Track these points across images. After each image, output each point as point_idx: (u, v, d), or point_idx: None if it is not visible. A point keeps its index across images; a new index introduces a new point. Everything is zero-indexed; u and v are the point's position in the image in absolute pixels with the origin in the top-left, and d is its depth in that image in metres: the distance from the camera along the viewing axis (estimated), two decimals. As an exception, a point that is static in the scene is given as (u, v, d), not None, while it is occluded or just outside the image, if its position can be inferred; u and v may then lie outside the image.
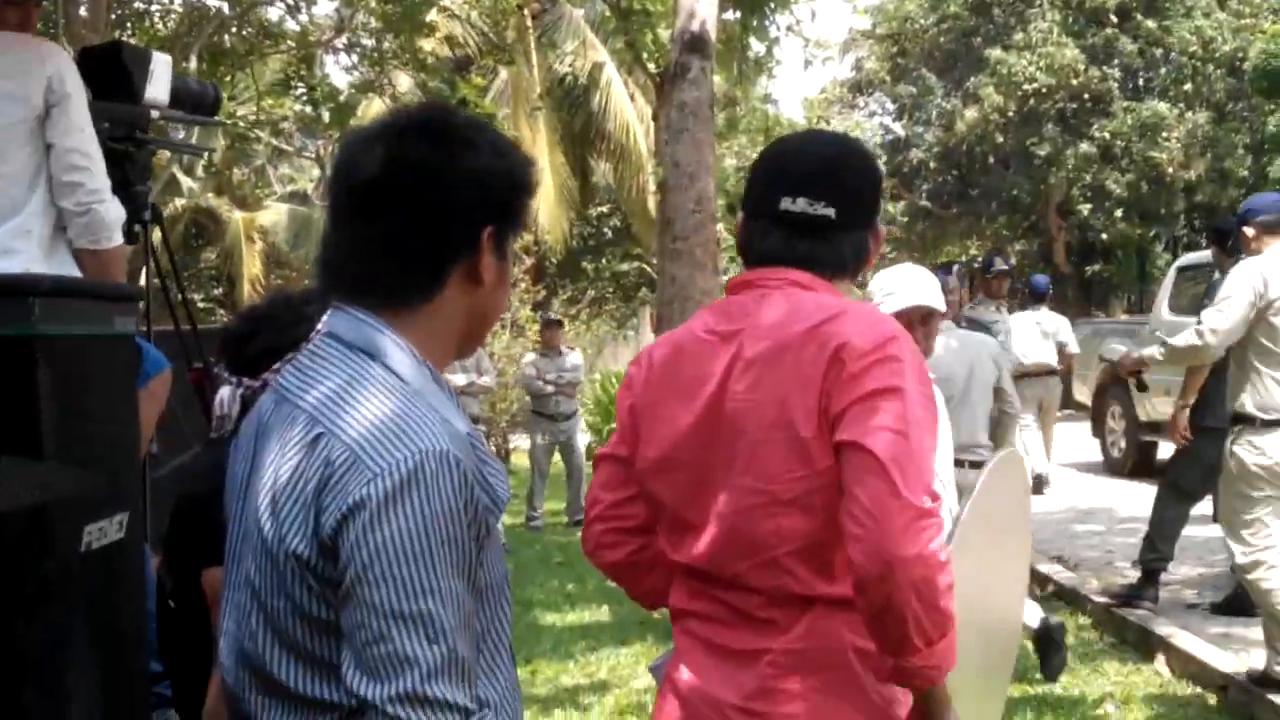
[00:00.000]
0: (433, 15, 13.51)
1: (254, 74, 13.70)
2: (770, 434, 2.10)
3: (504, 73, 21.36)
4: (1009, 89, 23.05)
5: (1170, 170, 22.51)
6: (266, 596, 1.65)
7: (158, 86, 4.68)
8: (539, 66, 21.98)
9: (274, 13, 13.60)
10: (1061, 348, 12.12)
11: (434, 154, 1.71)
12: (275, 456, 1.66)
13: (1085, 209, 23.32)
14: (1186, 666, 6.16)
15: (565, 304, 18.86)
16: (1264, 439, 5.46)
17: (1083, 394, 13.96)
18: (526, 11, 21.50)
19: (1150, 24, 23.32)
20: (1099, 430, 13.50)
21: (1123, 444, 13.07)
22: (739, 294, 2.28)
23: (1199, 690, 5.88)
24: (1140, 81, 24.57)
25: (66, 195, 3.62)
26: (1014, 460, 3.00)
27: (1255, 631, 6.54)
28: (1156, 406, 12.19)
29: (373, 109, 14.08)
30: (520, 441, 18.04)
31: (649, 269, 22.63)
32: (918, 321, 3.95)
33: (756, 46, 12.88)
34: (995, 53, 23.23)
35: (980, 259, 19.08)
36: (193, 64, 11.46)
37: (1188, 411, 7.06)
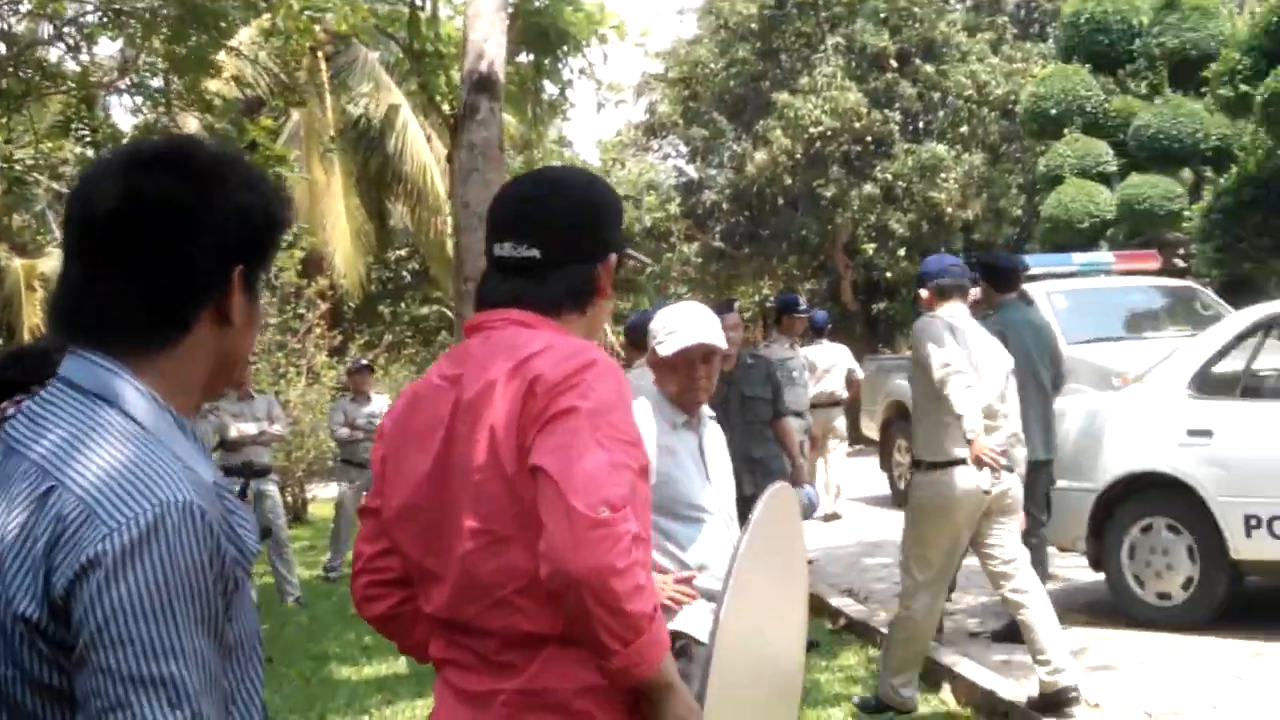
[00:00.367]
0: (220, 55, 13.24)
1: (32, 116, 13.23)
2: (486, 473, 2.13)
3: (296, 114, 21.03)
4: (796, 132, 23.62)
5: (949, 210, 23.36)
6: None
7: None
8: (333, 108, 21.71)
9: (54, 53, 13.17)
10: (850, 374, 12.51)
11: (181, 189, 1.61)
12: (1, 513, 1.52)
13: (870, 248, 24.02)
14: (971, 695, 6.38)
15: (362, 349, 18.61)
16: (931, 478, 5.86)
17: (870, 428, 14.36)
18: (319, 53, 21.24)
19: (928, 69, 24.20)
20: (886, 464, 13.91)
21: (908, 477, 13.48)
22: (470, 337, 2.32)
23: (983, 718, 6.10)
24: (920, 124, 25.46)
25: None
26: (785, 493, 3.06)
27: (1034, 657, 6.84)
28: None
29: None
30: (319, 491, 17.70)
31: (449, 312, 22.49)
32: (699, 360, 3.95)
33: (550, 89, 12.96)
34: (783, 96, 23.80)
35: (772, 298, 19.54)
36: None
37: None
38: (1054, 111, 18.99)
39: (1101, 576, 7.86)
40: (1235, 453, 7.22)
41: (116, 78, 13.58)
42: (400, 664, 7.96)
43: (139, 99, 13.69)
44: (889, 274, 24.37)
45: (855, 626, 8.10)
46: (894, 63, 24.18)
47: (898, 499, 13.47)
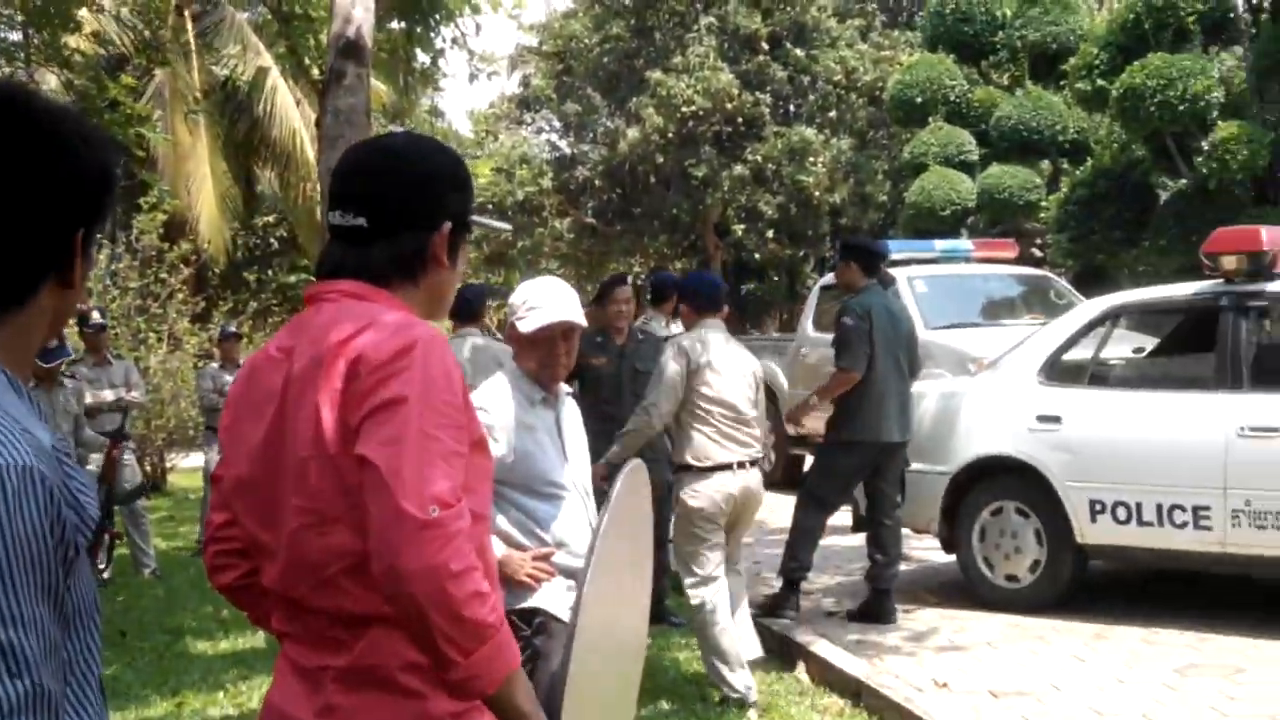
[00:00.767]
0: (81, 11, 12.89)
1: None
2: (311, 452, 2.10)
3: (160, 74, 20.53)
4: (669, 110, 23.71)
5: (817, 193, 23.69)
6: None
7: None
8: (199, 69, 21.22)
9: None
10: None
11: (17, 154, 1.54)
12: None
13: (740, 229, 24.27)
14: (824, 673, 6.52)
15: (226, 316, 18.27)
16: (700, 484, 6.19)
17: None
18: (185, 12, 20.76)
19: (799, 53, 24.47)
20: (751, 443, 14.10)
21: (773, 456, 13.71)
22: (307, 307, 2.29)
23: (835, 696, 6.26)
24: (790, 108, 25.73)
25: None
26: (640, 471, 3.07)
27: (890, 638, 7.07)
28: (804, 421, 12.86)
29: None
30: (180, 460, 17.37)
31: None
32: (560, 337, 3.94)
33: (422, 57, 12.85)
34: (656, 75, 23.86)
35: (644, 276, 19.62)
36: None
37: (814, 400, 7.59)
38: (919, 100, 19.33)
39: (953, 558, 8.09)
40: (1082, 439, 7.47)
41: (-30, 32, 13.17)
42: (257, 639, 7.87)
43: (-6, 54, 13.30)
44: (758, 255, 24.66)
45: (715, 605, 8.22)
46: (765, 45, 24.40)
47: (764, 479, 13.69)
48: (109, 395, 10.28)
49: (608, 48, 25.55)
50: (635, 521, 2.98)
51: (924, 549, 9.05)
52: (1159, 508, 7.13)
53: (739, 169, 23.51)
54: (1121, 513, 7.26)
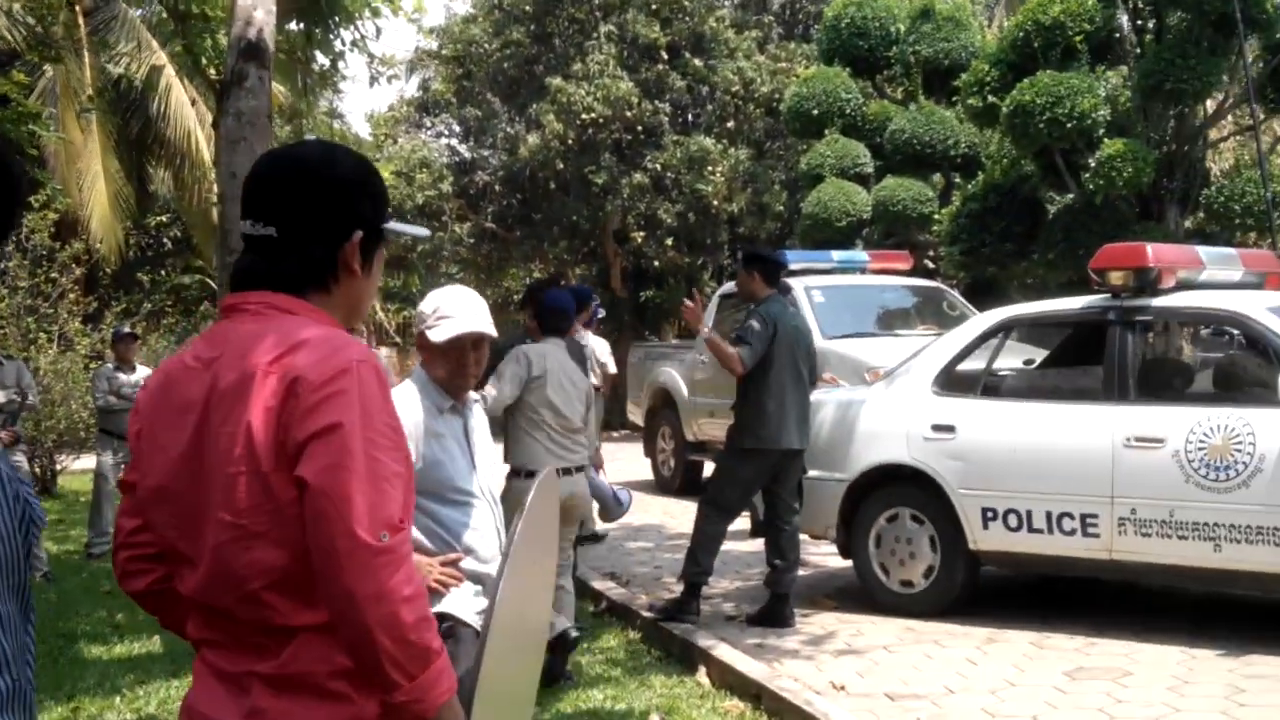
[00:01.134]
0: (-30, 6, 12.61)
1: None
2: (240, 468, 2.10)
3: (51, 70, 20.12)
4: (568, 117, 23.72)
5: (715, 202, 23.86)
6: None
7: None
8: (91, 66, 20.82)
9: None
10: (604, 367, 12.74)
11: None
12: None
13: (639, 237, 24.37)
14: (725, 677, 6.63)
15: (119, 316, 17.93)
16: (526, 485, 6.32)
17: (636, 415, 14.66)
18: (77, 7, 20.37)
19: (697, 62, 24.61)
20: (650, 450, 14.22)
21: (672, 463, 13.86)
22: (225, 318, 2.29)
23: (736, 700, 6.36)
24: (689, 117, 25.87)
25: None
26: (552, 480, 3.13)
27: (788, 642, 7.21)
28: (703, 428, 13.03)
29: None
30: (70, 463, 17.04)
31: (211, 282, 21.89)
32: (470, 346, 3.98)
33: (321, 59, 12.78)
34: (556, 81, 23.87)
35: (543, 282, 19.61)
36: None
37: (706, 330, 7.90)
38: (816, 112, 19.53)
39: (850, 564, 8.25)
40: (975, 448, 7.67)
41: None
42: (153, 644, 7.79)
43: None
44: (657, 263, 24.77)
45: (616, 609, 8.31)
46: (665, 54, 24.51)
47: (661, 485, 13.82)
48: (0, 396, 10.09)
49: (507, 53, 25.48)
50: (545, 527, 3.01)
51: (821, 555, 9.22)
52: (1049, 515, 7.34)
53: (638, 177, 23.60)
54: (1013, 520, 7.47)
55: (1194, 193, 15.71)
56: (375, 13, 11.88)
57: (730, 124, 24.69)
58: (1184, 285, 7.64)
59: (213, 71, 10.70)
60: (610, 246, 25.62)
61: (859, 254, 14.16)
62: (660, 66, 24.50)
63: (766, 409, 7.55)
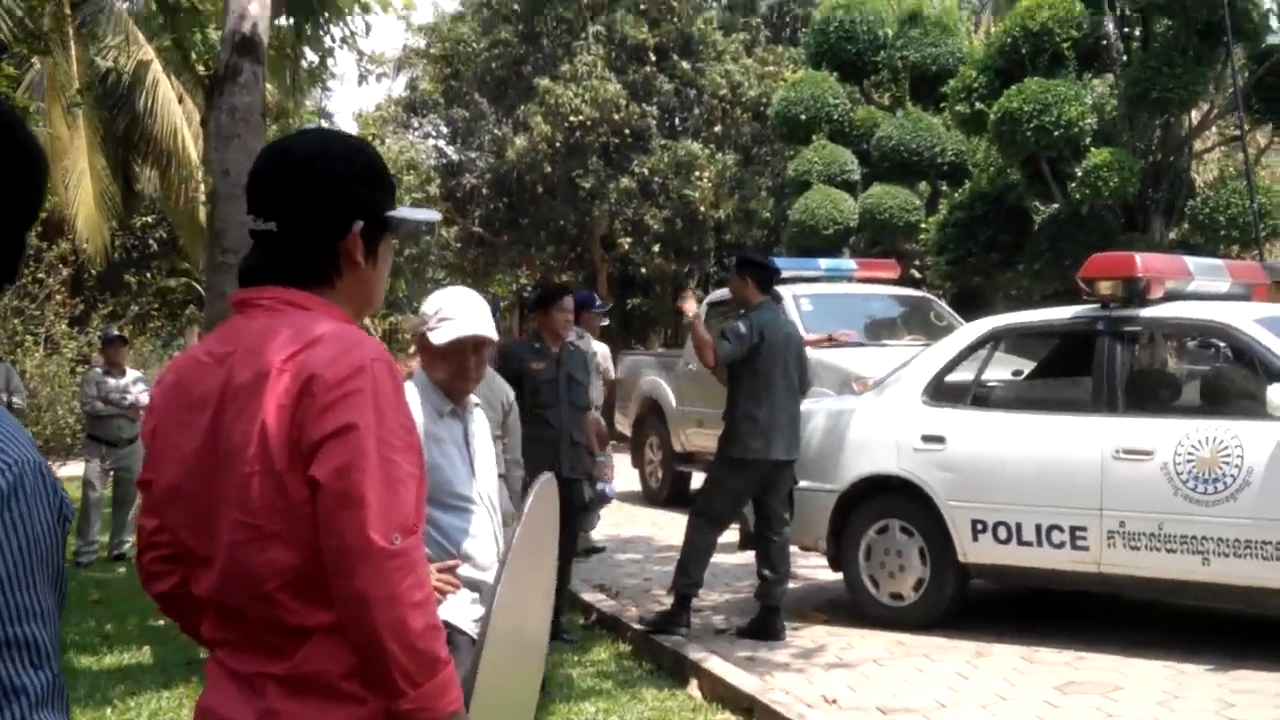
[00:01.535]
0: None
1: None
2: (254, 467, 2.10)
3: (38, 64, 19.98)
4: (556, 119, 23.71)
5: (702, 209, 23.86)
6: None
7: None
8: (78, 60, 20.69)
9: None
10: (604, 374, 12.74)
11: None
12: None
13: (626, 243, 24.36)
14: (716, 690, 6.63)
15: (106, 319, 17.85)
16: None
17: (623, 425, 14.61)
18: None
19: (685, 65, 24.63)
20: (638, 460, 14.19)
21: (660, 474, 13.82)
22: (238, 313, 2.28)
23: (728, 712, 6.37)
24: (676, 120, 25.89)
25: None
26: (550, 486, 3.10)
27: (779, 655, 7.22)
28: (691, 438, 13.02)
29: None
30: (57, 469, 16.94)
31: (197, 285, 21.75)
32: (470, 350, 3.96)
33: (310, 56, 12.73)
34: (544, 82, 23.85)
35: (530, 287, 19.59)
36: None
37: (695, 319, 7.91)
38: (803, 117, 19.54)
39: (840, 576, 8.26)
40: (965, 459, 7.69)
41: None
42: (143, 654, 7.77)
43: None
44: (644, 270, 24.73)
45: (606, 621, 8.30)
46: (653, 56, 24.53)
47: (649, 496, 13.79)
48: (-12, 402, 10.05)
49: (496, 53, 25.46)
50: (544, 534, 3.01)
51: (810, 567, 9.23)
52: (1038, 528, 7.36)
53: (626, 181, 23.60)
54: (1002, 532, 7.48)
55: (1179, 204, 15.78)
56: (365, 8, 11.83)
57: (718, 128, 24.71)
58: (1172, 296, 7.67)
59: (202, 68, 10.66)
60: (597, 252, 25.61)
61: (846, 262, 14.18)
62: (648, 68, 24.51)
63: (757, 419, 7.56)
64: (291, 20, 11.87)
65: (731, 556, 9.81)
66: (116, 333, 12.53)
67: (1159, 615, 8.03)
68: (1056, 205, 15.89)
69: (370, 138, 28.08)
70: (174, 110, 21.37)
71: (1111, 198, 14.71)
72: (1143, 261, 7.66)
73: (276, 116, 20.99)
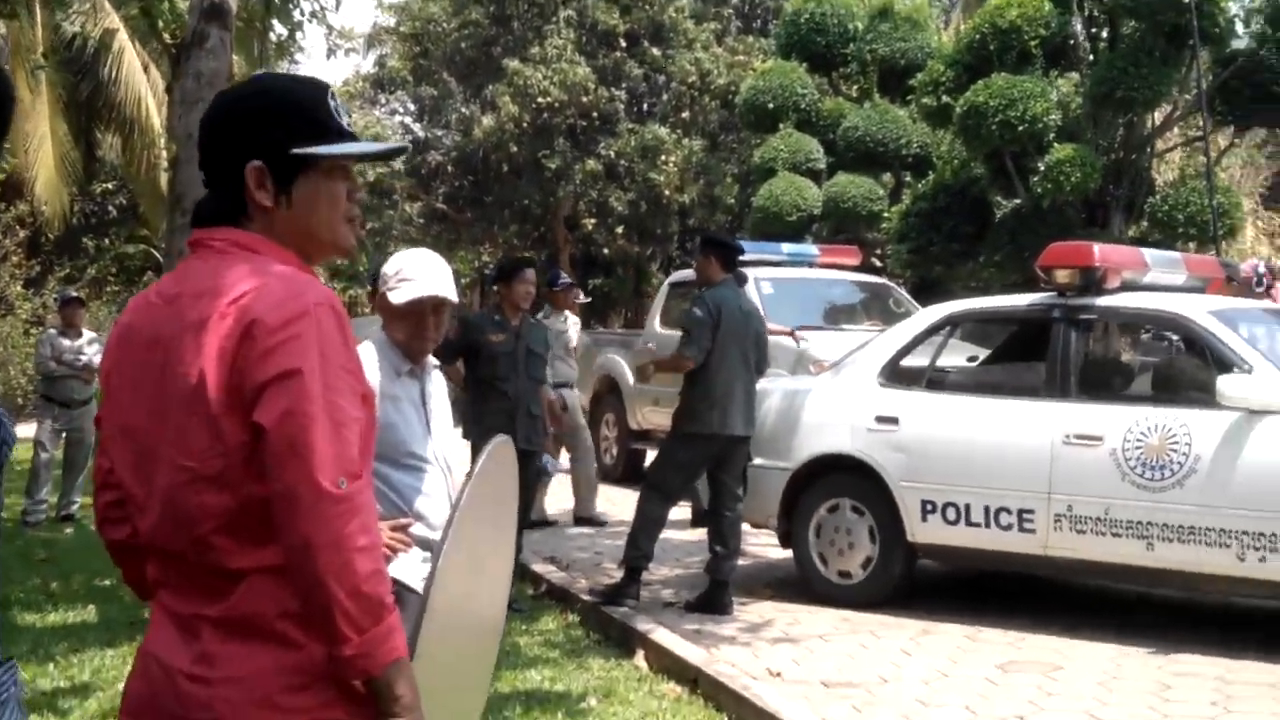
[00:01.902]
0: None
1: None
2: (192, 409, 2.09)
3: (3, 26, 19.80)
4: (524, 101, 23.68)
5: (667, 192, 23.89)
6: None
7: None
8: (44, 25, 20.53)
9: None
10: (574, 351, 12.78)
11: None
12: None
13: (590, 223, 24.39)
14: (663, 661, 6.64)
15: (61, 282, 17.70)
16: None
17: (581, 401, 14.59)
18: (31, -38, 20.07)
19: (655, 51, 24.65)
20: (594, 437, 14.16)
21: (615, 451, 13.86)
22: (192, 254, 2.26)
23: (673, 683, 6.39)
24: (644, 106, 25.92)
25: None
26: (506, 448, 3.04)
27: (726, 628, 7.24)
28: (648, 416, 13.04)
29: None
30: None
31: (156, 253, 21.61)
32: (430, 311, 3.96)
33: (279, 29, 12.67)
34: (513, 64, 23.81)
35: (492, 265, 19.57)
36: None
37: (651, 369, 8.11)
38: (771, 106, 19.57)
39: (789, 554, 8.30)
40: (917, 440, 7.72)
41: None
42: (88, 613, 7.73)
43: None
44: (606, 250, 24.80)
45: (555, 592, 8.31)
46: (623, 41, 24.53)
47: (604, 473, 13.78)
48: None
49: (465, 33, 25.41)
50: (498, 498, 2.96)
51: (760, 545, 9.26)
52: (986, 509, 7.41)
53: (591, 163, 23.60)
54: (951, 513, 7.53)
55: (1139, 201, 15.92)
56: (335, -17, 11.77)
57: (685, 114, 24.75)
58: (1128, 286, 7.73)
59: (169, 36, 10.59)
60: (561, 232, 25.62)
61: (809, 248, 14.21)
62: (618, 54, 24.52)
63: (712, 394, 7.58)
64: (261, -9, 11.80)
65: (683, 533, 9.84)
66: (74, 294, 12.42)
67: (1101, 600, 8.11)
68: (1019, 199, 15.98)
69: (337, 112, 27.96)
70: (138, 78, 21.25)
71: (1073, 193, 14.82)
72: (1100, 251, 7.72)
73: (241, 88, 20.89)
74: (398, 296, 3.96)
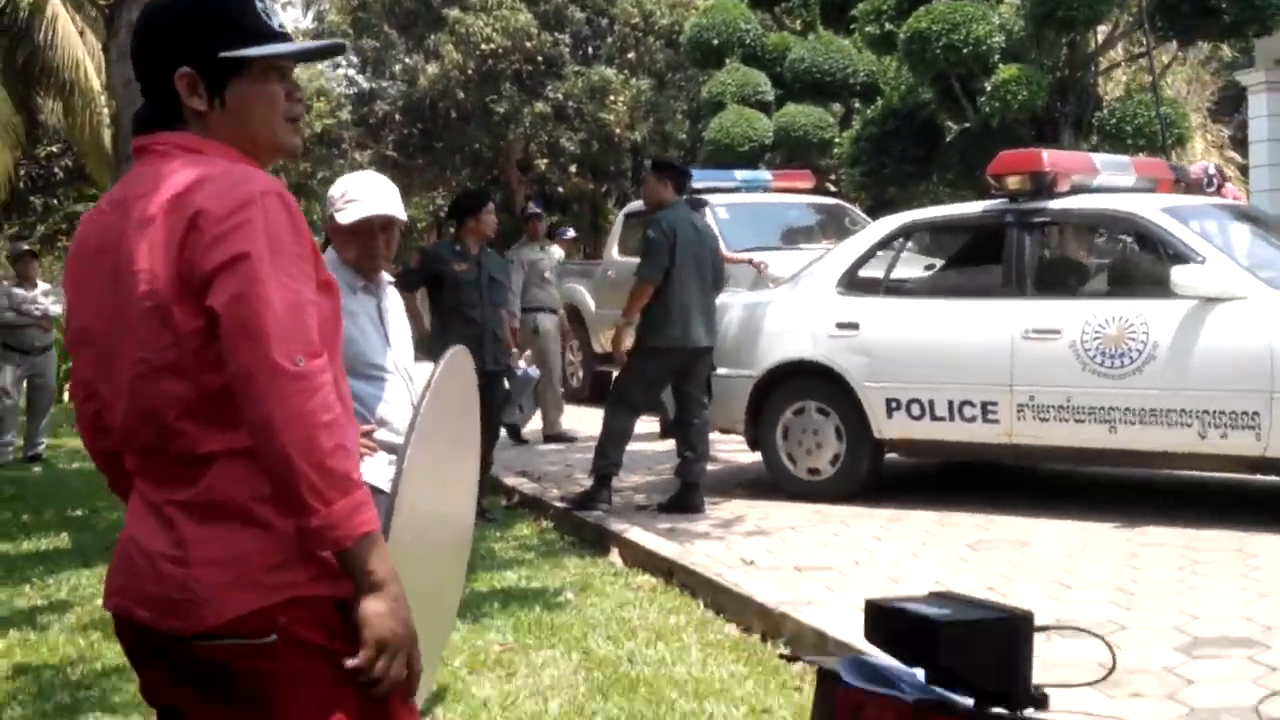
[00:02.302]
0: None
1: None
2: (145, 303, 2.10)
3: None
4: (468, 48, 23.56)
5: (618, 131, 23.88)
6: None
7: None
8: (-30, -9, 20.20)
9: None
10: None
11: None
12: None
13: (543, 164, 24.37)
14: (637, 556, 6.75)
15: (10, 240, 17.55)
16: None
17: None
18: (-39, -72, 19.73)
19: (596, -5, 24.61)
20: (560, 362, 14.29)
21: (580, 374, 14.05)
22: (136, 161, 2.28)
23: (648, 575, 6.50)
24: (589, 49, 25.84)
25: None
26: (463, 356, 3.02)
27: (699, 526, 7.34)
28: (610, 339, 13.12)
29: None
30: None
31: (104, 209, 21.31)
32: (378, 229, 4.02)
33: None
34: (454, 13, 23.67)
35: (446, 208, 19.47)
36: None
37: (631, 329, 7.82)
38: (715, 42, 19.56)
39: (759, 456, 8.41)
40: (879, 343, 7.84)
41: None
42: (61, 540, 7.76)
43: None
44: (561, 189, 24.82)
45: (528, 502, 8.42)
46: (564, -14, 24.47)
47: (571, 394, 13.90)
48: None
49: (404, -17, 25.28)
50: (460, 404, 2.96)
51: (730, 450, 9.36)
52: (950, 404, 7.55)
53: (540, 106, 23.55)
54: (916, 409, 7.66)
55: (1087, 116, 16.03)
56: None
57: (630, 55, 24.72)
58: (1078, 190, 7.84)
59: (102, -1, 10.51)
60: (513, 174, 25.57)
61: (762, 174, 14.28)
62: (559, -1, 24.44)
63: (671, 309, 7.68)
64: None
65: (652, 444, 9.94)
66: (26, 247, 12.59)
67: (1065, 483, 8.30)
68: (968, 121, 16.07)
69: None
70: (74, 42, 20.92)
71: (1021, 110, 14.91)
72: (1049, 156, 7.85)
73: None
74: (345, 217, 4.02)
